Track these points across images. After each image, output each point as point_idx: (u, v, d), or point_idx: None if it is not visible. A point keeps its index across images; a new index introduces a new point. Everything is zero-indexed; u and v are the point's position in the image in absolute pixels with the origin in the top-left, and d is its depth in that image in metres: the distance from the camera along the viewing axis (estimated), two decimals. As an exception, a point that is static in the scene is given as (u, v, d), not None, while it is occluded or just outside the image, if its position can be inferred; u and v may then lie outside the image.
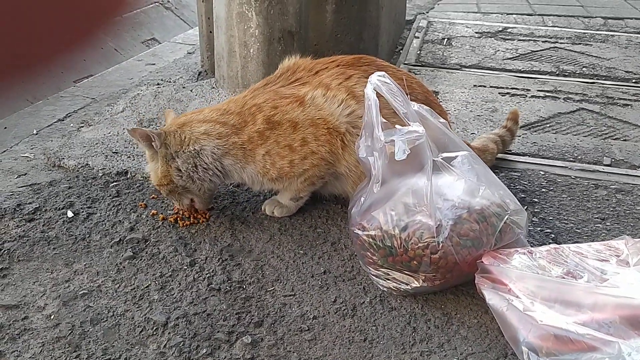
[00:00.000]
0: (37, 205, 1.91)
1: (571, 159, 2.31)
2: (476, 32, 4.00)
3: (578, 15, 4.46)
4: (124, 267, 1.65)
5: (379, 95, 1.57)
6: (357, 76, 1.77)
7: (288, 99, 1.75)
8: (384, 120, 1.54)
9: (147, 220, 1.85)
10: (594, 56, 3.53)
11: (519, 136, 2.48)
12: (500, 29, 4.10)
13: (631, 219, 1.91)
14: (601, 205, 1.99)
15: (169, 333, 1.42)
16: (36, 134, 2.46)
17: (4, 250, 1.70)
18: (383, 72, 1.60)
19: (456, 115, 2.68)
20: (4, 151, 2.32)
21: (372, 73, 1.62)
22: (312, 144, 1.72)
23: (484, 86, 3.04)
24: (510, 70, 3.28)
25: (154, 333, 1.42)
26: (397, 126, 1.53)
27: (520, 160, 2.28)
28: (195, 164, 1.75)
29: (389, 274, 1.54)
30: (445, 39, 3.84)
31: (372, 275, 1.59)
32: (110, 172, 2.12)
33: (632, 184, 2.12)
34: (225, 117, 1.77)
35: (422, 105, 1.64)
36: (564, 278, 1.36)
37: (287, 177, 1.77)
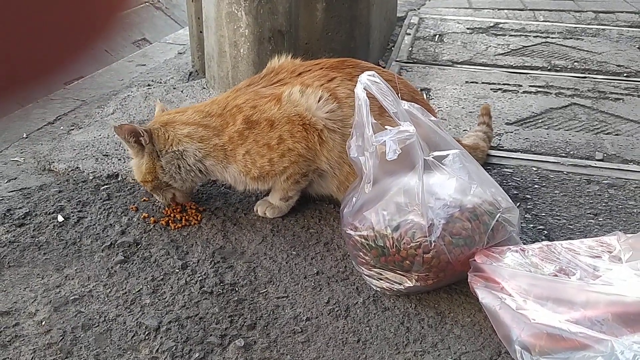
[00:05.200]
0: (27, 210, 1.90)
1: (563, 155, 2.30)
2: (467, 28, 3.99)
3: (569, 9, 4.46)
4: (116, 271, 1.64)
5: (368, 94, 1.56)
6: (339, 78, 1.77)
7: (267, 98, 1.76)
8: (375, 121, 1.53)
9: (139, 224, 1.84)
10: (586, 50, 3.53)
11: (511, 132, 2.48)
12: (491, 24, 4.09)
13: (623, 214, 1.91)
14: (593, 200, 1.99)
15: (161, 337, 1.41)
16: (26, 137, 2.44)
17: (-6, 256, 1.69)
18: (373, 72, 1.60)
19: (448, 112, 2.67)
20: (-6, 155, 2.30)
21: (356, 75, 1.62)
22: (288, 141, 1.73)
23: (476, 82, 3.04)
24: (501, 66, 3.28)
25: (146, 338, 1.41)
26: (387, 127, 1.52)
27: (513, 156, 2.28)
28: (178, 165, 1.79)
29: (381, 274, 1.54)
30: (437, 36, 3.84)
31: (365, 275, 1.58)
32: (101, 175, 2.11)
33: (625, 179, 2.12)
34: (207, 120, 1.79)
35: (412, 103, 1.63)
36: (556, 275, 1.36)
37: (270, 176, 1.78)
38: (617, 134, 2.48)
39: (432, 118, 1.64)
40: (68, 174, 2.13)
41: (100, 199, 1.97)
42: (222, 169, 1.80)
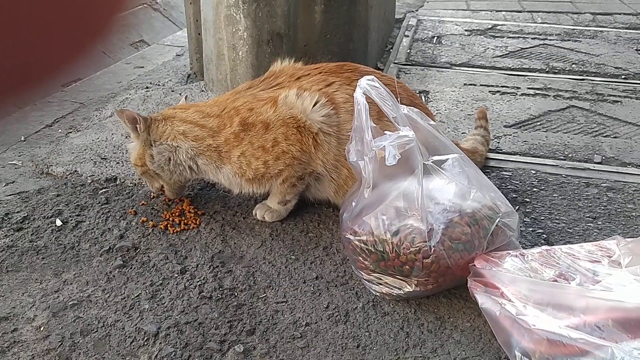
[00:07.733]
0: (26, 214, 1.89)
1: (562, 158, 2.31)
2: (466, 30, 3.99)
3: (567, 11, 4.47)
4: (114, 276, 1.63)
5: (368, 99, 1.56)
6: (338, 83, 1.78)
7: (263, 101, 1.78)
8: (374, 125, 1.53)
9: (137, 228, 1.84)
10: (584, 52, 3.53)
11: (510, 135, 2.48)
12: (489, 26, 4.10)
13: (622, 218, 1.91)
14: (592, 204, 1.99)
15: (160, 343, 1.40)
16: (24, 140, 2.43)
17: (-8, 261, 1.68)
18: (372, 76, 1.59)
19: (447, 114, 2.67)
20: (-9, 159, 2.29)
21: (355, 80, 1.62)
22: (282, 144, 1.74)
23: (474, 85, 3.04)
24: (500, 68, 3.28)
25: (145, 343, 1.41)
26: (386, 131, 1.52)
27: (511, 159, 2.28)
28: (168, 157, 1.82)
29: (381, 279, 1.53)
30: (435, 37, 3.84)
31: (365, 280, 1.58)
32: (99, 179, 2.10)
33: (623, 182, 2.12)
34: (205, 120, 1.81)
35: (412, 108, 1.63)
36: (556, 281, 1.36)
37: (265, 178, 1.78)
38: (615, 137, 2.48)
39: (432, 122, 1.64)
40: (66, 178, 2.12)
41: (99, 202, 1.97)
42: (216, 170, 1.81)
